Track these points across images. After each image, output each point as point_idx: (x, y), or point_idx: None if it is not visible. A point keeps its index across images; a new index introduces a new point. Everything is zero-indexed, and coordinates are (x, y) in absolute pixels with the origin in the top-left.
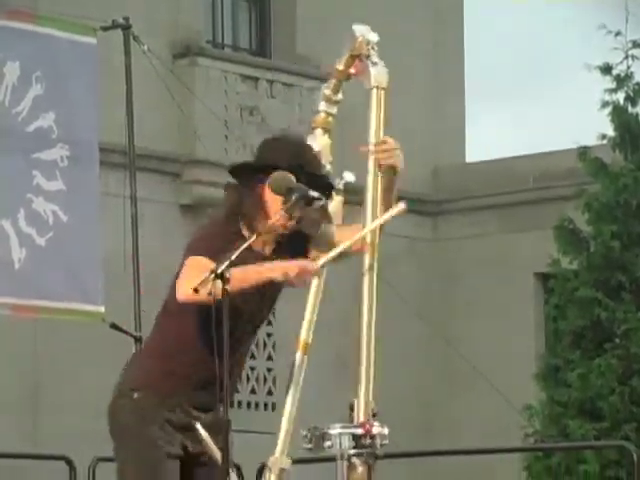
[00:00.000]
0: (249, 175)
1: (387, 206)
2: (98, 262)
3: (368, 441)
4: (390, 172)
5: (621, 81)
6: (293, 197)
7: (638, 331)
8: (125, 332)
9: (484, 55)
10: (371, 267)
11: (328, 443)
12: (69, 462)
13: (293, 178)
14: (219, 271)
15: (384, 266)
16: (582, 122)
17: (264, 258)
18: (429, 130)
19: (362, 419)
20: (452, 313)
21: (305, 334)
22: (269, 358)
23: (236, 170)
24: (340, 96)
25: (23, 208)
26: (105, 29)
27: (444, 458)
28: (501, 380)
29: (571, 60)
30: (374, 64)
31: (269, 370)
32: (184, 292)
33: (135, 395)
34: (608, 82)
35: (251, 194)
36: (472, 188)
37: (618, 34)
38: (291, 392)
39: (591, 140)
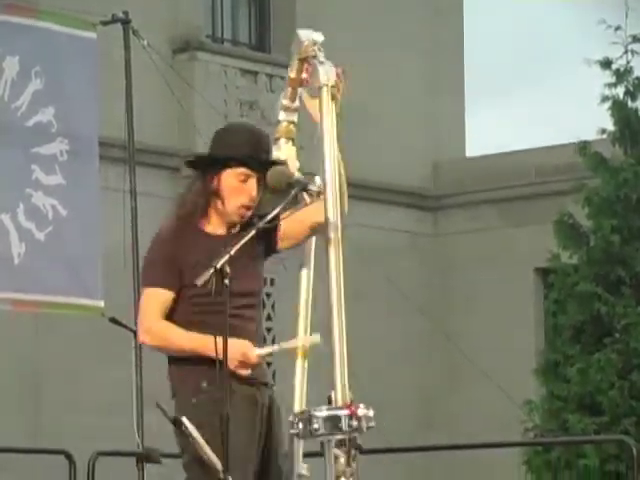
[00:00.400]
0: (206, 167)
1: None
2: (98, 256)
3: (354, 422)
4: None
5: (621, 75)
6: (293, 192)
7: (638, 326)
8: (125, 326)
9: (483, 50)
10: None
11: (315, 426)
12: (69, 456)
13: (292, 173)
14: (219, 266)
15: (384, 261)
16: (582, 117)
17: (221, 240)
18: (429, 125)
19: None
20: (452, 308)
21: (303, 331)
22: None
23: (193, 163)
24: (297, 103)
25: (22, 203)
26: (105, 24)
27: (443, 453)
28: (501, 375)
29: (571, 55)
30: (321, 63)
31: (269, 365)
32: (142, 340)
33: (193, 400)
34: (608, 77)
35: (198, 186)
36: (472, 183)
37: (618, 29)
38: (297, 389)
39: (591, 135)
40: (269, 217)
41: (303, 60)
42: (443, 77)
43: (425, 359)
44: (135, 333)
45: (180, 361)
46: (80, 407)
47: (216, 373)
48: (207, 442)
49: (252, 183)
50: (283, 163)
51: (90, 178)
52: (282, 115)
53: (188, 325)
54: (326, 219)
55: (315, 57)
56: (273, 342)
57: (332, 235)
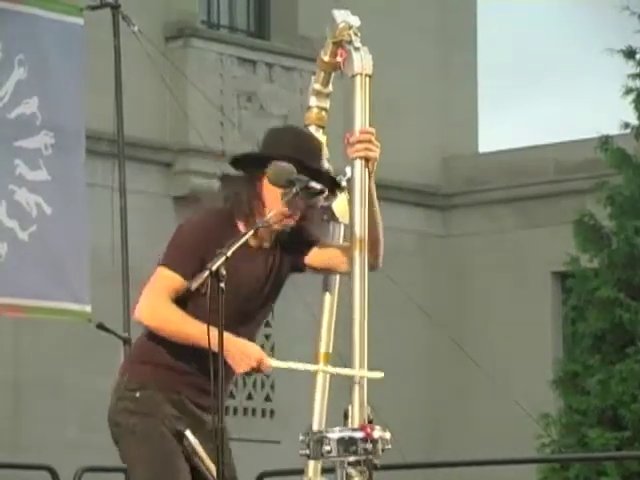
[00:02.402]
0: (250, 167)
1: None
2: (84, 258)
3: (369, 445)
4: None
5: None
6: (293, 189)
7: None
8: (113, 333)
9: (498, 41)
10: (362, 265)
11: (327, 448)
12: (53, 472)
13: (293, 169)
14: (214, 268)
15: (390, 263)
16: (603, 110)
17: (262, 255)
18: (440, 118)
19: (356, 424)
20: (463, 314)
21: (325, 346)
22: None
23: (237, 161)
24: (330, 88)
25: (4, 200)
26: (93, 8)
27: (454, 469)
28: (515, 386)
29: (592, 44)
30: (357, 49)
31: (267, 375)
32: (139, 314)
33: (137, 394)
34: (631, 67)
35: (249, 187)
36: (485, 180)
37: None
38: (317, 408)
39: (613, 129)
40: (267, 216)
41: (337, 43)
42: (456, 69)
43: (434, 369)
44: (124, 340)
45: (164, 359)
46: (63, 419)
47: (171, 381)
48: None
49: None
50: (334, 178)
51: (76, 174)
52: (313, 100)
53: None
54: (351, 227)
55: (350, 42)
56: (272, 350)
57: (357, 238)
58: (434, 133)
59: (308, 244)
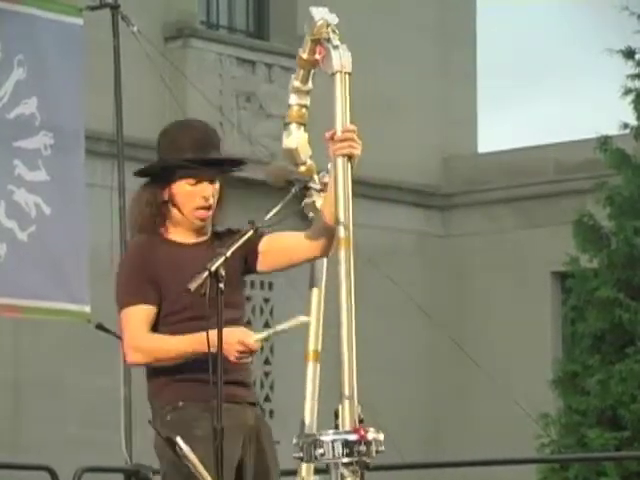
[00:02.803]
0: (155, 176)
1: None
2: (84, 258)
3: (362, 448)
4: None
5: None
6: (293, 190)
7: None
8: (112, 333)
9: (498, 40)
10: (347, 264)
11: (320, 451)
12: (52, 472)
13: (292, 168)
14: (213, 269)
15: (389, 263)
16: (603, 110)
17: (194, 249)
18: (439, 118)
19: (347, 425)
20: (463, 314)
21: (314, 344)
22: (266, 362)
23: (142, 173)
24: (310, 85)
25: (3, 200)
26: (92, 9)
27: (453, 470)
28: (515, 386)
29: (591, 44)
30: (335, 47)
31: (266, 374)
32: (130, 360)
33: (167, 418)
34: (630, 67)
35: (150, 195)
36: (485, 180)
37: None
38: (308, 406)
39: (612, 129)
40: (267, 216)
41: (316, 41)
42: (455, 68)
43: (434, 369)
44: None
45: (157, 378)
46: (63, 418)
47: (194, 391)
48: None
49: (204, 184)
50: (235, 160)
51: (76, 174)
52: (293, 98)
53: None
54: (336, 219)
55: (329, 40)
56: (271, 351)
57: (342, 235)
58: (433, 132)
59: (254, 239)
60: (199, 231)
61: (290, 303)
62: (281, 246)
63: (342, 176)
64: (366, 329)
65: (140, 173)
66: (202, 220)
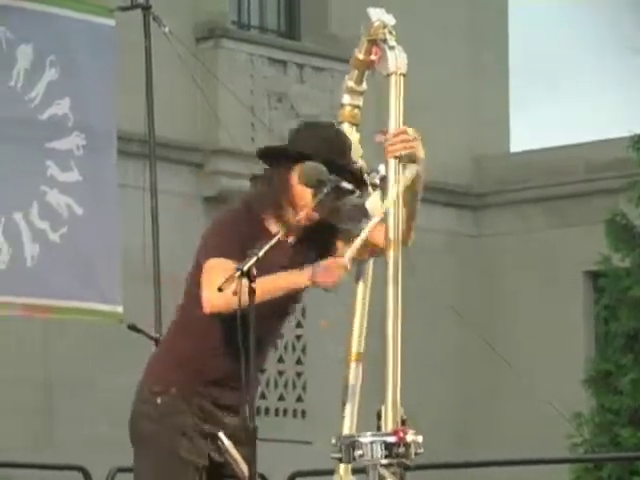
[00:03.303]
0: (278, 161)
1: (411, 208)
2: (116, 259)
3: (401, 450)
4: (411, 165)
5: None
6: (324, 190)
7: None
8: (144, 334)
9: (529, 40)
10: (396, 263)
11: (359, 452)
12: (85, 472)
13: (325, 169)
14: (245, 268)
15: (421, 263)
16: (635, 108)
17: (287, 248)
18: (471, 118)
19: (390, 427)
20: (494, 314)
21: (357, 346)
22: (298, 362)
23: (264, 153)
24: (364, 86)
25: (36, 201)
26: (123, 9)
27: (484, 470)
28: (547, 386)
29: (622, 42)
30: (391, 48)
31: (299, 375)
32: (211, 304)
33: (158, 400)
34: None
35: (278, 181)
36: (516, 180)
37: None
38: (349, 408)
39: None
40: (299, 217)
41: (372, 42)
42: (487, 68)
43: (465, 369)
44: (155, 340)
45: (164, 356)
46: (95, 418)
47: (194, 382)
48: (144, 454)
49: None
50: (363, 177)
51: (108, 175)
52: (346, 98)
53: (208, 329)
54: (386, 228)
55: (385, 41)
56: (303, 350)
57: (392, 237)
58: (465, 132)
59: (333, 237)
60: (295, 231)
61: (323, 303)
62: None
63: (393, 178)
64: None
65: (266, 153)
66: (309, 221)
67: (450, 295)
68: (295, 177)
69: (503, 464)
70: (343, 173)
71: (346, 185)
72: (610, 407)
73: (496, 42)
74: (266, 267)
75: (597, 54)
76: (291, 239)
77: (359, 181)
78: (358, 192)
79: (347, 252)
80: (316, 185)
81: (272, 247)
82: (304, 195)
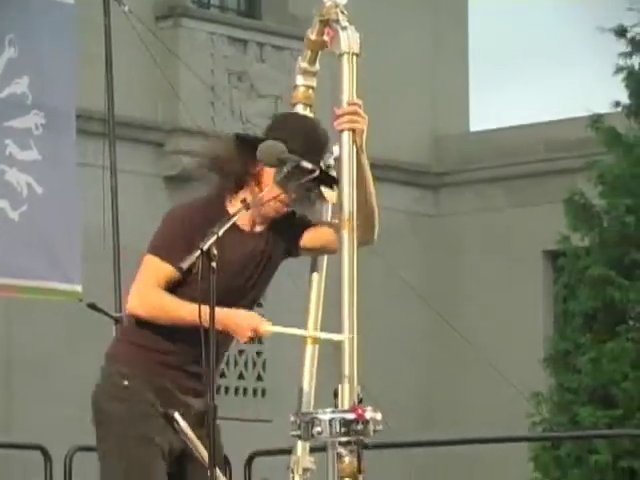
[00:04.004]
0: (251, 148)
1: (358, 184)
2: (76, 238)
3: (360, 427)
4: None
5: (636, 45)
6: (285, 169)
7: None
8: (104, 313)
9: (489, 17)
10: (350, 245)
11: (318, 429)
12: (44, 452)
13: (284, 148)
14: (205, 247)
15: (382, 244)
16: (594, 89)
17: (253, 238)
18: (429, 96)
19: (346, 405)
20: (455, 293)
21: (312, 330)
22: (258, 340)
23: (245, 139)
24: (317, 67)
25: None
26: None
27: (444, 448)
28: (507, 365)
29: (583, 22)
30: (344, 28)
31: (259, 354)
32: (131, 306)
33: (125, 382)
34: (623, 46)
35: (245, 163)
36: (476, 159)
37: None
38: (305, 389)
39: (604, 108)
40: (259, 196)
41: (324, 22)
42: (445, 44)
43: (425, 349)
44: (116, 320)
45: (154, 343)
46: (56, 398)
47: (156, 367)
48: (109, 429)
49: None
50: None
51: (67, 153)
52: (300, 79)
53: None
54: (340, 204)
55: (337, 21)
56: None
57: (346, 217)
58: (424, 111)
59: (301, 227)
60: (261, 221)
61: (283, 283)
62: (322, 240)
63: (347, 152)
64: (357, 312)
65: (245, 139)
66: (276, 212)
67: (412, 276)
68: (266, 170)
69: (463, 442)
70: (320, 173)
71: (306, 164)
72: (569, 386)
73: (456, 20)
74: (227, 255)
75: (559, 34)
76: (258, 229)
77: (332, 180)
78: (318, 173)
79: (275, 328)
80: (277, 164)
81: (236, 236)
82: (268, 175)
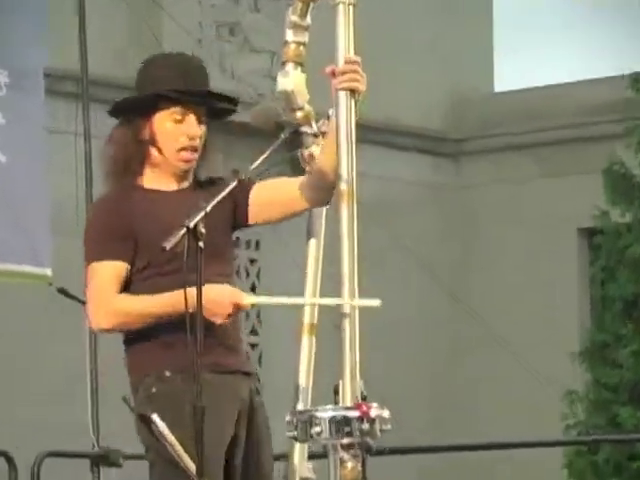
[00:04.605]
0: (131, 113)
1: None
2: (44, 211)
3: (365, 426)
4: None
5: None
6: (282, 135)
7: None
8: (76, 299)
9: None
10: (350, 217)
11: (317, 429)
12: (8, 458)
13: (280, 110)
14: (192, 225)
15: (395, 218)
16: (634, 44)
17: (173, 198)
18: (450, 53)
19: (348, 403)
20: (475, 275)
21: (309, 316)
22: (253, 331)
23: (117, 110)
24: (309, 21)
25: None
26: None
27: (462, 454)
28: (537, 359)
29: None
30: None
31: (253, 347)
32: (95, 324)
33: (153, 390)
34: None
35: (135, 135)
36: (502, 123)
37: None
38: (302, 385)
39: None
40: (252, 166)
41: None
42: (469, 3)
43: (441, 337)
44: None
45: (138, 344)
46: (20, 397)
47: (182, 359)
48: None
49: (190, 120)
50: (226, 97)
51: (35, 117)
52: (290, 35)
53: None
54: (338, 173)
55: None
56: (258, 316)
57: (344, 188)
58: (445, 72)
59: (244, 187)
60: (181, 177)
61: (281, 265)
62: (274, 197)
63: (345, 115)
64: (369, 293)
65: (115, 110)
66: (186, 162)
67: (427, 251)
68: (156, 120)
69: (480, 448)
70: (204, 97)
71: (308, 130)
72: (607, 383)
73: None
74: (152, 225)
75: None
76: (174, 186)
77: (233, 102)
78: (321, 138)
79: (253, 298)
80: (273, 131)
81: (157, 200)
82: (171, 133)
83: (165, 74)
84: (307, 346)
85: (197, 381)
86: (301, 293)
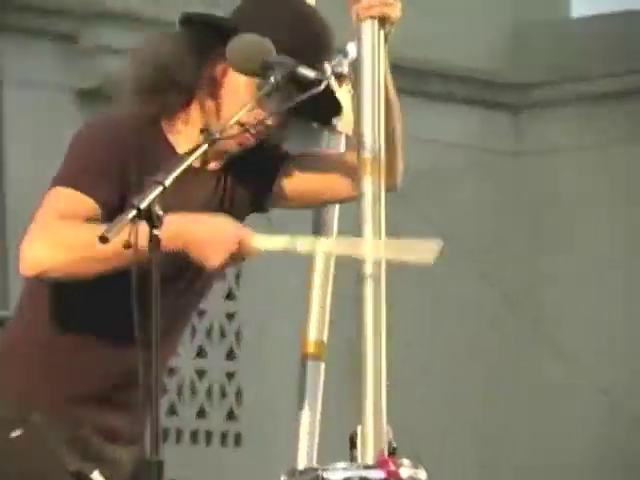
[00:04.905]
0: (209, 39)
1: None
2: None
3: None
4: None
5: None
6: (272, 77)
7: None
8: None
9: None
10: (376, 195)
11: None
12: None
13: (270, 45)
14: (144, 205)
15: (436, 191)
16: None
17: (208, 178)
18: None
19: (370, 457)
20: (539, 265)
21: (317, 332)
22: (230, 356)
23: (189, 21)
24: None
25: None
26: None
27: None
28: (614, 375)
29: None
30: None
31: (230, 376)
32: (30, 263)
33: (15, 433)
34: None
35: (197, 66)
36: (578, 63)
37: None
38: (305, 418)
39: None
40: (231, 121)
41: None
42: None
43: (496, 349)
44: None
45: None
46: None
47: (61, 402)
48: None
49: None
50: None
51: None
52: None
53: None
54: (359, 128)
55: None
56: (238, 337)
57: (367, 155)
58: None
59: (278, 166)
60: (215, 155)
61: (264, 269)
62: (308, 185)
63: (371, 52)
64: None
65: (190, 20)
66: (239, 145)
67: (476, 239)
68: (230, 71)
69: None
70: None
71: (306, 72)
72: None
73: None
74: (179, 204)
75: None
76: (213, 165)
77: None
78: (324, 85)
79: (265, 241)
80: (259, 71)
81: (184, 174)
82: (239, 91)
83: (309, 43)
84: (312, 375)
85: (154, 423)
86: (301, 293)
